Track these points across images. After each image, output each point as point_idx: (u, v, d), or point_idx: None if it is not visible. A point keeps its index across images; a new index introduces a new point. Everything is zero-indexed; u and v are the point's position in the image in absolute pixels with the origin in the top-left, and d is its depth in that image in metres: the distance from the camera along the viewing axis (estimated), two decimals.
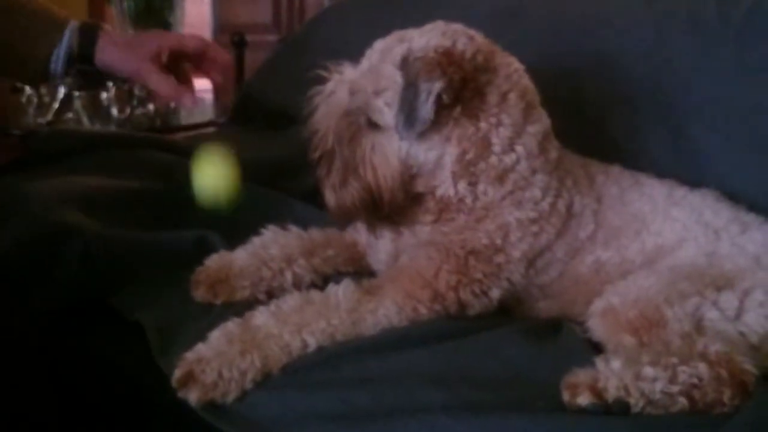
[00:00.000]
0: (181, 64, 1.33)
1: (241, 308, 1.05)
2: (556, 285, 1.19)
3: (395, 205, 1.12)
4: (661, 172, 1.33)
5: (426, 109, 1.03)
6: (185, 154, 1.44)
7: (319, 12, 2.18)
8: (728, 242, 1.14)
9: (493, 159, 1.10)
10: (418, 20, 1.73)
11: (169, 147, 1.57)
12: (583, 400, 0.85)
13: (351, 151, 1.10)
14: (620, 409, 0.85)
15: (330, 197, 1.13)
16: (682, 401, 0.85)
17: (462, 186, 1.11)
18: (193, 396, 0.91)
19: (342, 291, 1.05)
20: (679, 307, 0.98)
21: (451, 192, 1.12)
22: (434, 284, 1.08)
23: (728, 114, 1.34)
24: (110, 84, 2.45)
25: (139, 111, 2.47)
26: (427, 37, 1.09)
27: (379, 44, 1.15)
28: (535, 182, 1.13)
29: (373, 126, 1.10)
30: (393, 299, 1.05)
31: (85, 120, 2.46)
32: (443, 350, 0.98)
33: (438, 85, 1.02)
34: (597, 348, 1.02)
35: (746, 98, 1.32)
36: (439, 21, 1.15)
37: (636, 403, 0.85)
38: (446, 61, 1.04)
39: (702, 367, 0.87)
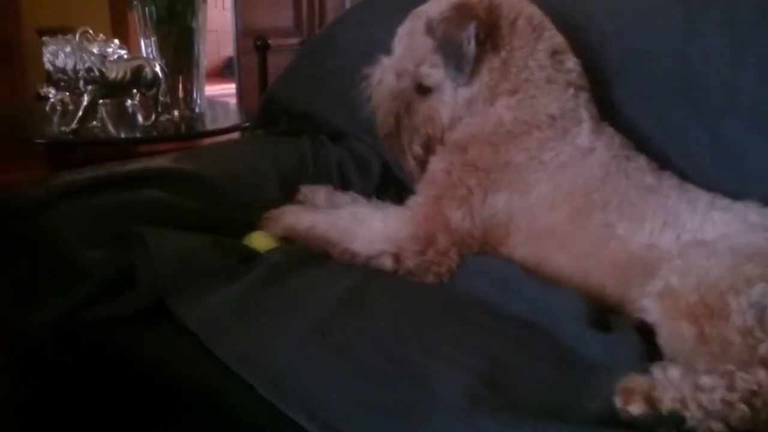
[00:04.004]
0: None
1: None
2: (561, 227, 1.21)
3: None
4: (699, 171, 1.29)
5: (470, 50, 1.26)
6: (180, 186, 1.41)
7: (340, 14, 2.16)
8: None
9: (512, 77, 1.30)
10: None
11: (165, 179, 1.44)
12: (636, 408, 0.82)
13: (410, 120, 1.36)
14: (674, 421, 0.81)
15: (408, 159, 1.39)
16: (742, 408, 0.81)
17: (486, 107, 1.31)
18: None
19: None
20: (744, 296, 0.93)
21: (479, 117, 1.32)
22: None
23: None
24: (134, 91, 2.45)
25: (164, 117, 2.46)
26: (438, 5, 1.31)
27: (402, 29, 1.38)
28: (546, 91, 1.30)
29: (423, 92, 1.34)
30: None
31: (110, 127, 2.47)
32: (497, 352, 0.99)
33: (472, 28, 1.24)
34: (650, 331, 1.00)
35: None
36: None
37: (693, 415, 0.80)
38: (464, 10, 1.26)
39: (762, 374, 0.83)
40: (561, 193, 1.23)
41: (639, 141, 1.36)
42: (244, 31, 4.38)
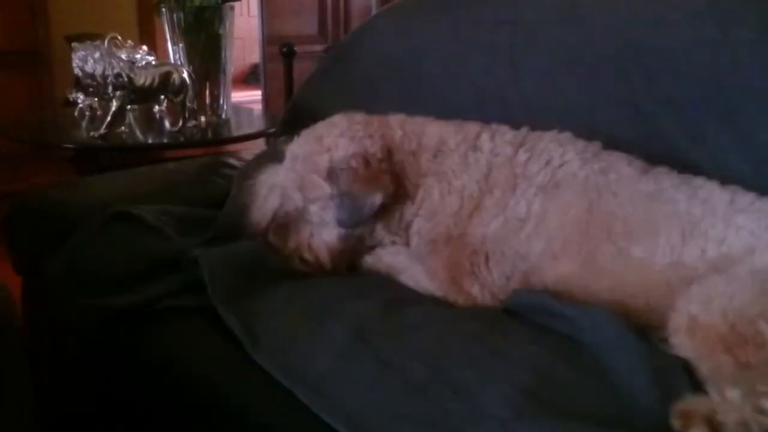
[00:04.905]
0: None
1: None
2: (573, 275, 1.17)
3: (343, 265, 1.33)
4: (729, 177, 1.26)
5: (368, 214, 1.27)
6: None
7: (365, 21, 2.16)
8: None
9: (408, 203, 1.31)
10: (466, 29, 1.72)
11: None
12: None
13: (283, 240, 1.32)
14: None
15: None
16: None
17: (394, 228, 1.32)
18: None
19: None
20: None
21: (394, 240, 1.33)
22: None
23: None
24: (162, 97, 2.48)
25: (190, 123, 2.48)
26: (341, 147, 1.29)
27: (299, 148, 1.34)
28: (457, 176, 1.29)
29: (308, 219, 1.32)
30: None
31: (137, 133, 2.49)
32: (540, 364, 0.98)
33: (378, 198, 1.25)
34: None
35: None
36: (341, 120, 1.35)
37: None
38: (371, 173, 1.26)
39: None
40: (558, 244, 1.20)
41: (668, 145, 1.35)
42: (270, 38, 4.41)
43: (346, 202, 1.26)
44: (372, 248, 1.35)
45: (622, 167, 1.25)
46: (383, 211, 1.30)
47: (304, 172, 1.31)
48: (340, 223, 1.28)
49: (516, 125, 1.38)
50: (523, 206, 1.23)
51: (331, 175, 1.28)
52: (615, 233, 1.17)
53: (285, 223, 1.32)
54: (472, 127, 1.36)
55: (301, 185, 1.31)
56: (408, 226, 1.32)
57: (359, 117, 1.37)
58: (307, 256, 1.31)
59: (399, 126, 1.36)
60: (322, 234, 1.31)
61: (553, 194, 1.23)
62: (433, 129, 1.36)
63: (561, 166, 1.26)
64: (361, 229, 1.32)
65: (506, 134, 1.34)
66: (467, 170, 1.29)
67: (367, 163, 1.27)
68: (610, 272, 1.16)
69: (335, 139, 1.30)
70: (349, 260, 1.34)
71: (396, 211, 1.31)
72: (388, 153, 1.31)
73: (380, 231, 1.33)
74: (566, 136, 1.32)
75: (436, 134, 1.35)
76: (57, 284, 1.36)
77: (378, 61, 1.90)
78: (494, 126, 1.37)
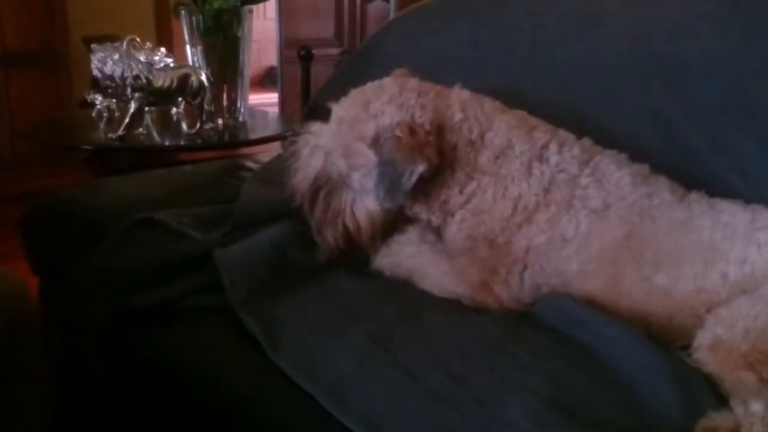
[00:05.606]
0: None
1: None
2: (598, 295, 1.17)
3: (376, 242, 1.30)
4: (751, 185, 1.26)
5: (408, 185, 1.20)
6: None
7: (384, 25, 2.16)
8: None
9: (455, 191, 1.26)
10: (485, 33, 1.72)
11: None
12: None
13: (326, 204, 1.29)
14: None
15: (321, 243, 1.31)
16: None
17: (435, 207, 1.28)
18: None
19: None
20: None
21: (430, 218, 1.30)
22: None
23: None
24: (180, 99, 2.48)
25: (208, 126, 2.48)
26: (388, 114, 1.24)
27: (345, 112, 1.28)
28: (516, 182, 1.24)
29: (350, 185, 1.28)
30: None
31: (155, 135, 2.50)
32: (561, 373, 0.98)
33: (420, 168, 1.19)
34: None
35: None
36: (391, 85, 1.29)
37: None
38: (416, 142, 1.20)
39: None
40: (592, 265, 1.20)
41: (691, 154, 1.34)
42: (286, 41, 4.43)
43: (388, 170, 1.21)
44: (407, 222, 1.32)
45: (664, 192, 1.23)
46: (427, 186, 1.26)
47: (349, 138, 1.25)
48: (379, 192, 1.23)
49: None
50: (573, 226, 1.21)
51: (375, 142, 1.23)
52: (643, 260, 1.16)
53: (327, 188, 1.28)
54: (539, 135, 1.29)
55: (345, 152, 1.25)
56: (450, 213, 1.28)
57: (413, 83, 1.31)
58: (348, 222, 1.27)
59: (460, 106, 1.29)
60: (365, 201, 1.27)
61: (602, 216, 1.21)
62: (502, 127, 1.28)
63: (615, 189, 1.23)
64: (403, 199, 1.27)
65: (573, 147, 1.28)
66: (528, 180, 1.24)
67: (412, 132, 1.21)
68: (630, 297, 1.16)
69: (383, 105, 1.25)
70: (385, 234, 1.31)
71: (442, 193, 1.27)
72: (439, 128, 1.25)
73: (419, 205, 1.30)
74: (623, 158, 1.29)
75: (504, 135, 1.27)
76: (88, 290, 1.37)
77: (396, 64, 1.89)
78: (561, 134, 1.31)
